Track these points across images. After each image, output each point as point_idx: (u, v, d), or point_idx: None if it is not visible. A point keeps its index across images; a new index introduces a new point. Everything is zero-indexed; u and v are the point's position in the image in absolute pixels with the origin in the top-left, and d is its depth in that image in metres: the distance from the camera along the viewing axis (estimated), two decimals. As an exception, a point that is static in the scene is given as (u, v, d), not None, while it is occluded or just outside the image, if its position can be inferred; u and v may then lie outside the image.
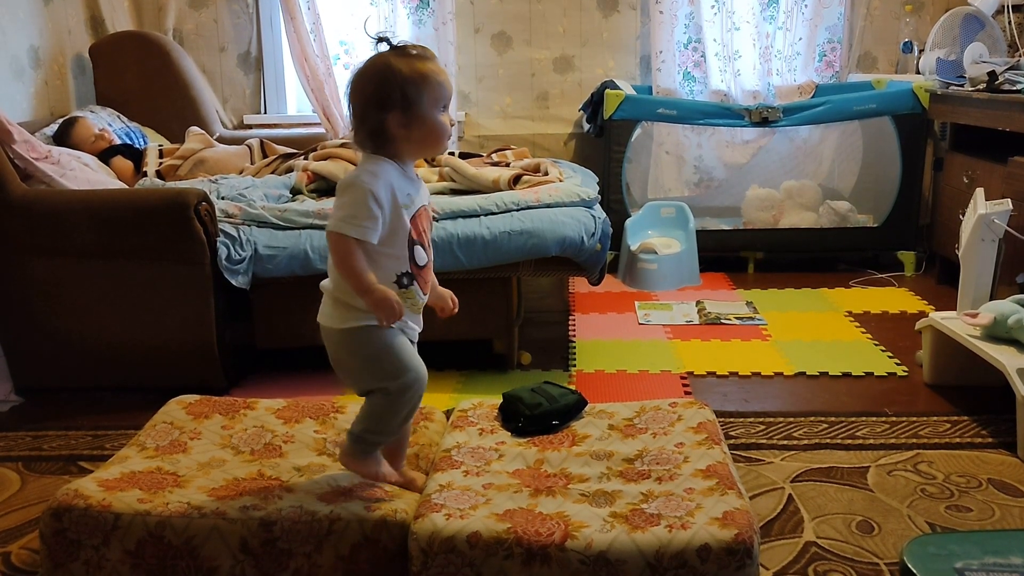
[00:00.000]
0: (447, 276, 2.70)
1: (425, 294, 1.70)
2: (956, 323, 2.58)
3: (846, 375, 2.82)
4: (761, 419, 2.48)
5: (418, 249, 1.64)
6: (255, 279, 2.69)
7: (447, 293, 1.80)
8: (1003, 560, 1.22)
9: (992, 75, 3.38)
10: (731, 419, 2.47)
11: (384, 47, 1.60)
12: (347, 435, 1.70)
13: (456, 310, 1.79)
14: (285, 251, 2.69)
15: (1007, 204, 2.69)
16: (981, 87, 3.45)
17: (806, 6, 4.34)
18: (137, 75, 3.98)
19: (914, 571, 1.20)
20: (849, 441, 2.33)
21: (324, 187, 3.23)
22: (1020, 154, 3.08)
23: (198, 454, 1.86)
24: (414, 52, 1.60)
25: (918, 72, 4.13)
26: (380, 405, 1.67)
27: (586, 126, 4.31)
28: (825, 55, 4.50)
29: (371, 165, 1.60)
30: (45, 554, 1.62)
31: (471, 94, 4.54)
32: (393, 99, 1.57)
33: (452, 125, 1.66)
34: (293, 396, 2.22)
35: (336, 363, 1.69)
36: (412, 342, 1.71)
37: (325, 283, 1.69)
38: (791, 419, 2.48)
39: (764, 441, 2.33)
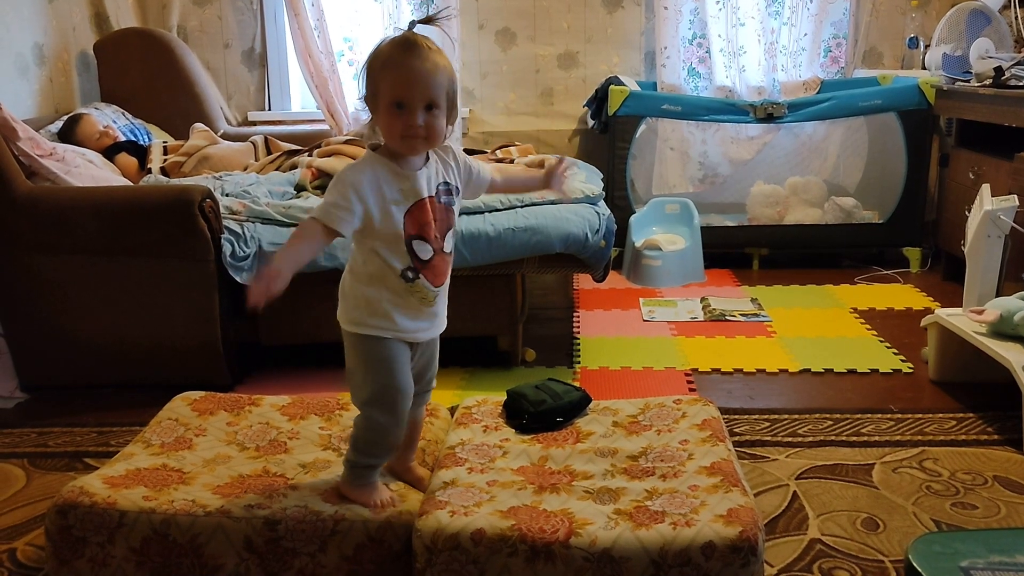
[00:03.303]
0: (451, 273, 2.69)
1: (438, 285, 1.64)
2: (962, 319, 2.57)
3: (851, 372, 2.81)
4: (766, 416, 2.48)
5: (418, 243, 1.59)
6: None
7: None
8: (1009, 559, 1.21)
9: (998, 71, 3.37)
10: (736, 416, 2.47)
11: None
12: (344, 462, 1.68)
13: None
14: (289, 248, 2.68)
15: (1013, 200, 2.68)
16: (987, 83, 3.44)
17: (811, 1, 4.33)
18: (141, 72, 3.99)
19: (919, 570, 1.19)
20: (854, 438, 2.32)
21: (328, 184, 3.22)
22: (1026, 150, 3.07)
23: (203, 451, 1.86)
24: (411, 40, 1.50)
25: (924, 68, 4.12)
26: (359, 426, 1.64)
27: (590, 122, 4.31)
28: (830, 51, 4.49)
29: (360, 161, 1.59)
30: (50, 551, 1.62)
31: (475, 90, 4.53)
32: (366, 82, 1.53)
33: (414, 127, 1.49)
34: (298, 393, 2.23)
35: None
36: (417, 343, 1.66)
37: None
38: (796, 416, 2.48)
39: (769, 438, 2.33)
